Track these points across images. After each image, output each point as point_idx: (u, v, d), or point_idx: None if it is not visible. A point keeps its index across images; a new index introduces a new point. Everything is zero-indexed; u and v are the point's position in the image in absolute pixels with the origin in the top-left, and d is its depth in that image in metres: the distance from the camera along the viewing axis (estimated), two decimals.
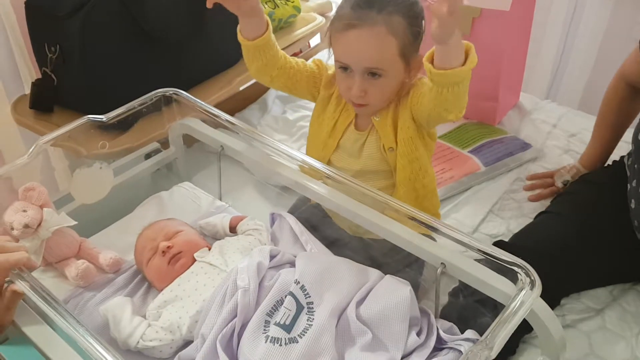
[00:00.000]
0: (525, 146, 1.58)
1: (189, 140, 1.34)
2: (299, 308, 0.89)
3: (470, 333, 0.89)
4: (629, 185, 1.14)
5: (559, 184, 1.38)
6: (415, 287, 0.95)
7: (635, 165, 1.11)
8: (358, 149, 1.06)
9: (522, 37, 1.65)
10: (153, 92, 1.22)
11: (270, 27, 1.01)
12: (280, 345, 0.84)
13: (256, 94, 1.81)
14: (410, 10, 0.94)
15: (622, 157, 1.28)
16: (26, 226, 1.00)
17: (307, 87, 1.09)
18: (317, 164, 1.02)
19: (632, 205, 1.11)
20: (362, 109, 1.01)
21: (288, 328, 0.86)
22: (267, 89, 1.82)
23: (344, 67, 0.97)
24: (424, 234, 0.92)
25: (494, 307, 0.85)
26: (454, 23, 0.80)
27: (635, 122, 1.17)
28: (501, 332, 0.73)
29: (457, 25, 0.81)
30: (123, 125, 1.23)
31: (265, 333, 0.86)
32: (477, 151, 1.55)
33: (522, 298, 0.77)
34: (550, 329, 0.81)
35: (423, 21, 0.96)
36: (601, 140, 1.35)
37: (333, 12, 1.97)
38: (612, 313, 1.12)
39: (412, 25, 0.94)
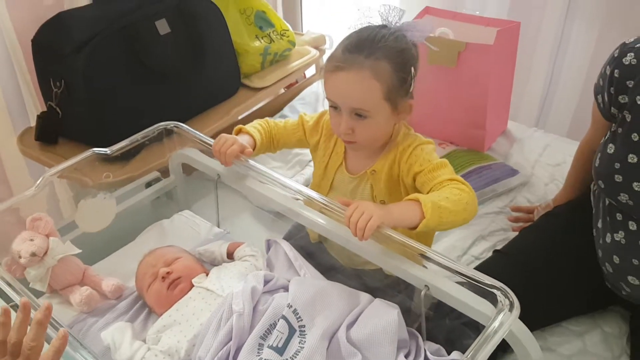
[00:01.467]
0: (513, 172, 1.63)
1: (188, 169, 1.39)
2: (291, 331, 0.93)
3: (456, 354, 0.94)
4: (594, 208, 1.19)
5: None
6: (407, 312, 0.99)
7: (595, 191, 1.17)
8: (351, 191, 1.11)
9: (507, 67, 1.71)
10: (155, 126, 1.28)
11: (258, 145, 1.15)
12: None
13: None
14: (398, 57, 0.97)
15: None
16: (33, 254, 1.05)
17: (296, 144, 1.20)
18: (309, 192, 1.07)
19: (594, 232, 1.17)
20: (353, 146, 1.05)
21: (280, 351, 0.90)
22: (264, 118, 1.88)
23: (334, 106, 1.02)
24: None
25: (477, 329, 0.89)
26: (382, 221, 0.89)
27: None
28: (480, 352, 0.77)
29: (380, 218, 0.89)
30: (126, 156, 1.28)
31: (259, 356, 0.90)
32: (466, 177, 1.60)
33: (501, 319, 0.82)
34: (529, 350, 0.85)
35: (412, 67, 0.99)
36: (573, 188, 1.39)
37: (327, 45, 2.05)
38: (593, 337, 1.15)
39: (398, 71, 0.97)
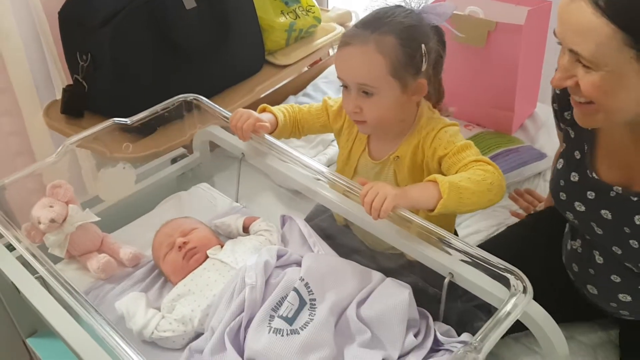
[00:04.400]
0: (540, 156, 1.59)
1: (212, 145, 1.40)
2: (302, 303, 0.93)
3: (465, 336, 0.93)
4: None
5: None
6: (418, 292, 0.98)
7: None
8: (374, 176, 1.09)
9: (538, 49, 1.66)
10: (175, 98, 1.29)
11: (280, 124, 1.14)
12: (282, 335, 0.89)
13: (277, 101, 1.87)
14: (406, 32, 0.95)
15: None
16: (52, 221, 1.07)
17: (320, 129, 1.18)
18: (330, 172, 1.05)
19: (566, 230, 1.14)
20: (363, 127, 1.04)
21: (290, 320, 0.91)
22: (287, 96, 1.87)
23: (344, 85, 1.01)
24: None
25: (490, 312, 0.88)
26: (397, 201, 0.87)
27: None
28: (491, 335, 0.76)
29: (395, 199, 0.87)
30: (146, 129, 1.29)
31: (269, 325, 0.91)
32: (492, 160, 1.56)
33: (514, 302, 0.80)
34: (547, 331, 0.83)
35: (423, 45, 0.96)
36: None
37: (353, 22, 2.02)
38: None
39: (404, 46, 0.95)
